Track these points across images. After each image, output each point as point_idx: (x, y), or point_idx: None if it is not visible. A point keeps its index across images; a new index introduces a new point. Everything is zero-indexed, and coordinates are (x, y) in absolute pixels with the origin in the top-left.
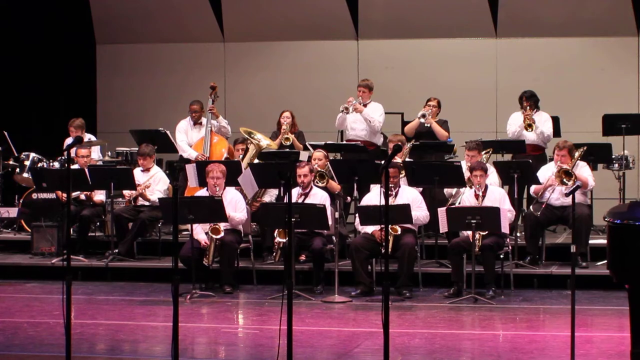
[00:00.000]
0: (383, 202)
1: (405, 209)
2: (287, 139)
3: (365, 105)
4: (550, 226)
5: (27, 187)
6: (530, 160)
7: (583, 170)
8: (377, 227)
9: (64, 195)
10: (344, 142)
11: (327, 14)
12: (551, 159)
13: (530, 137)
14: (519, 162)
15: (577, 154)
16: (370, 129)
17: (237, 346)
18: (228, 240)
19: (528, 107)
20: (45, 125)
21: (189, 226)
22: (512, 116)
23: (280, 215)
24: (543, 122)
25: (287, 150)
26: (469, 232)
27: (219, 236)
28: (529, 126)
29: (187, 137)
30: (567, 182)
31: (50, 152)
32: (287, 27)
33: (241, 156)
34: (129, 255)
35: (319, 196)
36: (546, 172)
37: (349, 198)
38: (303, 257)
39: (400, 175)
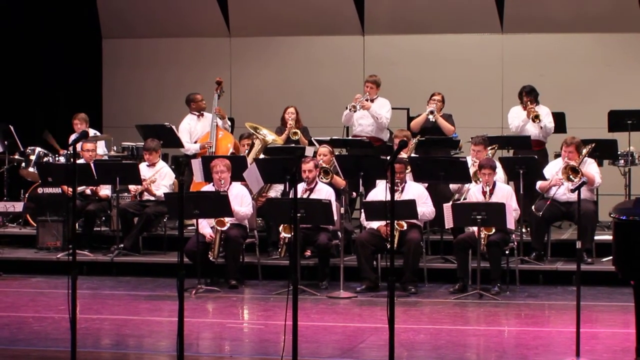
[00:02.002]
0: (389, 198)
1: (411, 204)
2: (295, 133)
3: (372, 101)
4: (555, 222)
5: (32, 181)
6: (537, 156)
7: (590, 167)
8: (382, 223)
9: (70, 189)
10: (350, 137)
11: (333, 9)
12: (557, 155)
13: (532, 131)
14: (524, 158)
15: (584, 151)
16: (377, 126)
17: (242, 341)
18: (233, 235)
19: (529, 102)
20: (51, 120)
21: (194, 221)
22: (512, 110)
23: (285, 210)
24: (544, 115)
25: (293, 145)
26: (475, 228)
27: (224, 228)
28: (536, 117)
29: (190, 136)
30: (573, 178)
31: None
32: (293, 23)
33: (247, 151)
34: (134, 250)
35: (324, 191)
36: (553, 168)
37: (354, 193)
38: (308, 253)
39: (407, 171)
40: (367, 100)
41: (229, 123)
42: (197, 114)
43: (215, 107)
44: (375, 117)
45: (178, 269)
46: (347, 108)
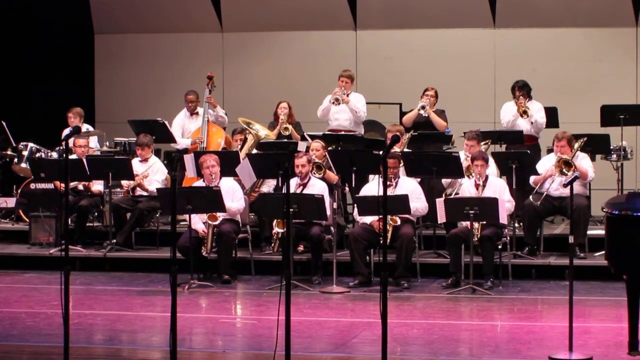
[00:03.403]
0: (382, 193)
1: (404, 199)
2: (286, 129)
3: (347, 96)
4: (548, 217)
5: (25, 177)
6: (529, 151)
7: (583, 161)
8: (375, 218)
9: (62, 185)
10: (327, 131)
11: (326, 4)
12: (550, 150)
13: (523, 126)
14: (517, 153)
15: (576, 145)
16: (355, 119)
17: (235, 336)
18: (226, 230)
19: (521, 97)
20: (43, 115)
21: (186, 216)
22: (504, 106)
23: (278, 205)
24: (536, 111)
25: (286, 140)
26: (467, 223)
27: (216, 223)
28: (524, 112)
29: (182, 132)
30: (566, 172)
31: (49, 142)
32: (286, 17)
33: (239, 146)
34: (127, 246)
35: (317, 187)
36: (546, 163)
37: (346, 188)
38: (301, 248)
39: (400, 166)
40: (343, 94)
41: (224, 111)
42: (190, 112)
43: (206, 97)
44: (354, 110)
45: (171, 264)
46: (331, 102)
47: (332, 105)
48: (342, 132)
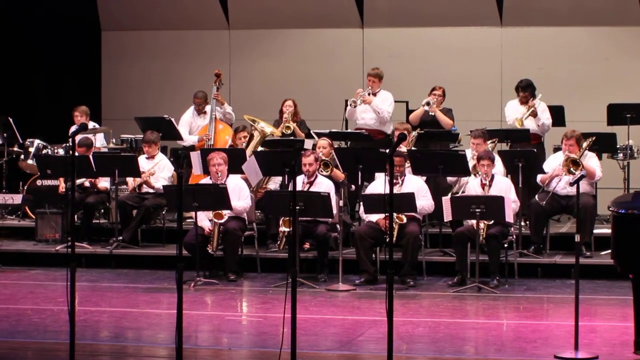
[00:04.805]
0: (388, 191)
1: (410, 197)
2: (288, 127)
3: (375, 94)
4: (554, 215)
5: (31, 173)
6: (536, 150)
7: (591, 160)
8: (381, 216)
9: (63, 185)
10: (354, 130)
11: (333, 2)
12: (556, 149)
13: (529, 125)
14: (523, 151)
15: (585, 144)
16: (379, 119)
17: (240, 334)
18: (232, 227)
19: (530, 99)
20: (50, 112)
21: (193, 213)
22: (508, 104)
23: (284, 202)
24: (541, 111)
25: (293, 138)
26: (473, 221)
27: (222, 220)
28: (533, 114)
29: (190, 129)
30: (574, 171)
31: (55, 138)
32: (293, 15)
33: (244, 144)
34: (133, 243)
35: (323, 185)
36: (554, 162)
37: (353, 186)
38: (307, 246)
39: (406, 164)
40: (369, 94)
41: (231, 108)
42: (198, 112)
43: (214, 93)
44: (376, 111)
45: (177, 261)
46: (349, 105)
47: (354, 107)
48: (364, 131)
